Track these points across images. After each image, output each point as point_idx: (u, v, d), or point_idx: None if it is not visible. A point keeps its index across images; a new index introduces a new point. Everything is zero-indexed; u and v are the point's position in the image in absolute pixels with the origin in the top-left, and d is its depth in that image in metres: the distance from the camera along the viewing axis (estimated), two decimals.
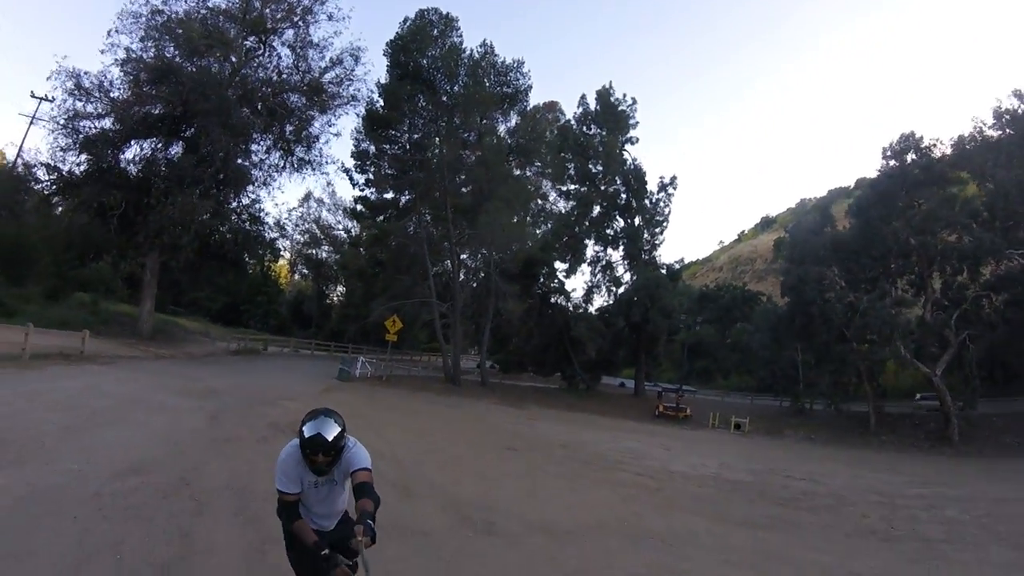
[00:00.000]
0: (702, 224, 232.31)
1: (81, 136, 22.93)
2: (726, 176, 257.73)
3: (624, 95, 39.61)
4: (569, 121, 40.68)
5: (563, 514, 8.49)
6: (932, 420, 25.82)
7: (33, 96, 31.27)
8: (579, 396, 35.08)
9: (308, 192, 55.46)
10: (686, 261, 55.62)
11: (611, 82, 40.45)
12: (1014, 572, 7.66)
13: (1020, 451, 21.77)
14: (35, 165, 24.88)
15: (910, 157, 27.35)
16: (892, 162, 27.85)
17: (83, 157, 23.32)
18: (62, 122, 22.74)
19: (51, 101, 30.03)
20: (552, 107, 43.16)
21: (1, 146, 36.05)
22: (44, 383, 11.35)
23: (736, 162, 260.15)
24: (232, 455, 8.47)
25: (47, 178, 24.18)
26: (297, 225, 48.68)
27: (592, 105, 39.39)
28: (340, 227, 51.59)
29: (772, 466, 16.87)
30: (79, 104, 22.86)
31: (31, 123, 29.01)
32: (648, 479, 12.53)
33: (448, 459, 11.64)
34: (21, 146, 29.42)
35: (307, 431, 3.02)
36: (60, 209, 25.09)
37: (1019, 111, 25.90)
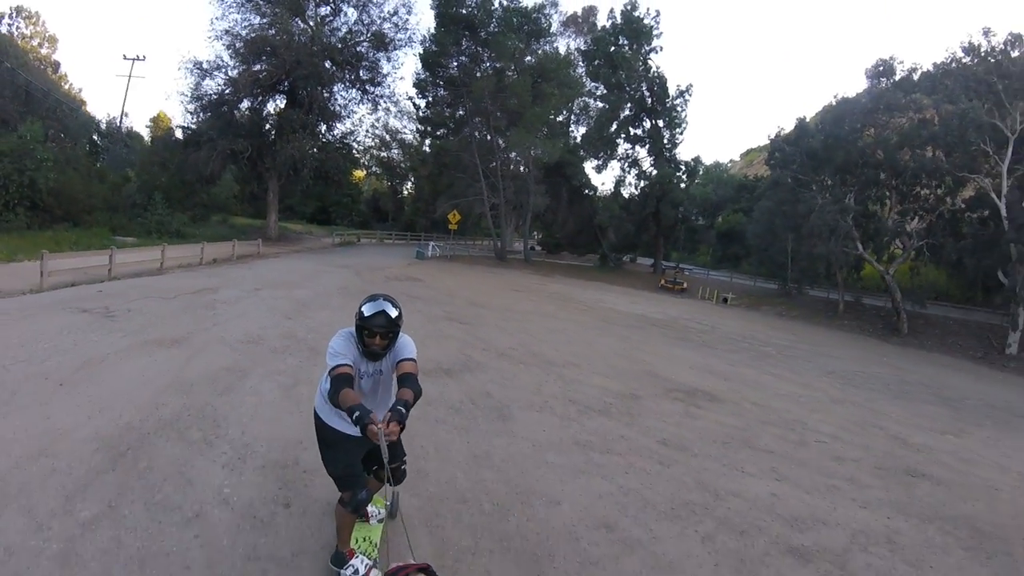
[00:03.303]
0: (763, 110, 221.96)
1: (204, 100, 31.66)
2: (788, 59, 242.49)
3: (648, 9, 44.89)
4: (605, 26, 45.40)
5: (518, 307, 18.62)
6: (893, 314, 27.97)
7: (126, 58, 41.06)
8: (605, 271, 43.19)
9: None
10: (747, 148, 58.20)
11: None
12: (730, 362, 12.50)
13: (953, 349, 24.24)
14: (174, 128, 34.07)
15: (883, 82, 31.23)
16: (873, 82, 31.97)
17: (209, 115, 31.89)
18: (189, 93, 31.42)
19: (142, 60, 40.80)
20: (589, 15, 49.83)
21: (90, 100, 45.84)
22: (267, 266, 21.39)
23: (800, 43, 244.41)
24: (376, 285, 18.61)
25: (183, 137, 33.12)
26: (367, 132, 53.97)
27: (618, 20, 44.13)
28: (406, 130, 57.82)
29: (698, 317, 22.47)
30: (203, 81, 31.42)
31: (129, 80, 38.18)
32: (587, 307, 22.06)
33: (476, 292, 21.81)
34: (124, 100, 39.32)
35: (367, 310, 3.08)
36: (198, 154, 31.23)
37: (982, 47, 26.55)
